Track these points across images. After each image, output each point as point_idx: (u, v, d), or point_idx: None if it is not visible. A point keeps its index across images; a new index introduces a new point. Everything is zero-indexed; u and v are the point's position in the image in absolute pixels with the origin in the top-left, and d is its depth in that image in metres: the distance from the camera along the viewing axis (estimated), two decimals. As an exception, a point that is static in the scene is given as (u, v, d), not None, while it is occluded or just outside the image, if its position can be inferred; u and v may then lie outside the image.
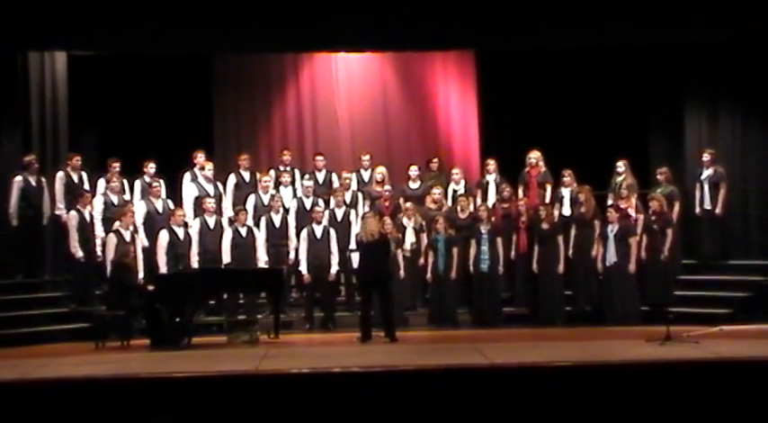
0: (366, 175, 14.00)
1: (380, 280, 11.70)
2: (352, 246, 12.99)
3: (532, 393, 8.36)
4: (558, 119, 14.53)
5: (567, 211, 13.35)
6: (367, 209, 13.38)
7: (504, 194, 13.43)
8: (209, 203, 12.95)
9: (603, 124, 14.34)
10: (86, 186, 13.04)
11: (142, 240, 12.70)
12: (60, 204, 12.90)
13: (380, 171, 13.76)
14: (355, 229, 13.12)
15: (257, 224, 13.01)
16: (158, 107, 14.35)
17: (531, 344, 11.15)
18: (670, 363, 9.25)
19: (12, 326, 12.04)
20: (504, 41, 13.36)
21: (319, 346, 11.70)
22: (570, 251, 13.03)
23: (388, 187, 13.61)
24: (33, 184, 12.75)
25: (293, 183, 13.79)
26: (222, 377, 9.00)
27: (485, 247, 12.94)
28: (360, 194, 13.69)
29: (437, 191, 13.50)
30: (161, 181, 13.33)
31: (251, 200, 13.33)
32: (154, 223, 12.85)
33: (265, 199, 13.28)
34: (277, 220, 13.07)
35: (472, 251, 13.01)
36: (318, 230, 12.95)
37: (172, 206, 13.12)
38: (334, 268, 12.99)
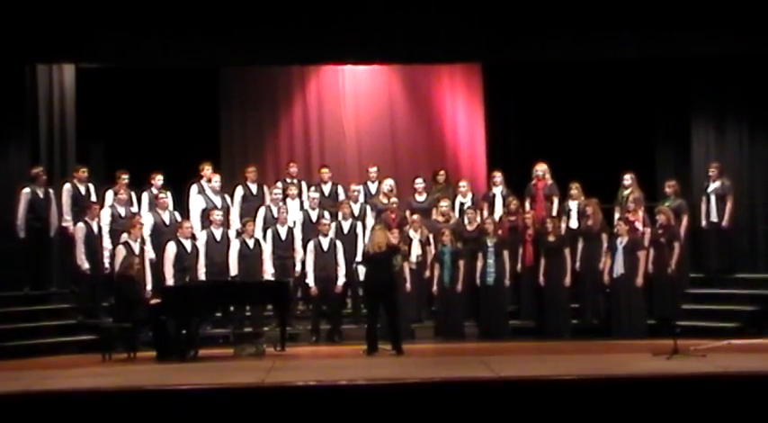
0: (373, 187, 14.02)
1: (386, 292, 11.70)
2: (359, 258, 13.01)
3: (538, 407, 8.34)
4: (565, 132, 14.54)
5: (574, 223, 13.33)
6: (374, 221, 13.42)
7: (511, 207, 13.42)
8: (217, 215, 12.96)
9: (610, 137, 14.34)
10: (93, 198, 13.06)
11: (149, 252, 12.71)
12: (67, 216, 12.93)
13: (388, 183, 13.77)
14: (362, 241, 13.13)
15: (265, 236, 13.03)
16: (166, 119, 14.39)
17: (537, 357, 11.14)
18: (677, 377, 9.23)
19: (19, 338, 12.07)
20: (511, 55, 13.40)
21: (326, 359, 11.68)
22: (577, 264, 13.02)
23: (394, 200, 13.61)
24: (41, 196, 12.78)
25: (300, 195, 13.80)
26: (228, 389, 8.99)
27: (491, 260, 12.94)
28: (367, 207, 13.70)
29: (445, 203, 13.49)
30: (168, 193, 13.34)
31: (261, 212, 13.35)
32: (161, 235, 12.87)
33: (275, 211, 13.29)
34: (283, 232, 13.08)
35: (479, 264, 13.00)
36: (325, 243, 12.95)
37: (179, 218, 13.12)
38: (341, 281, 12.98)
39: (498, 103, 15.19)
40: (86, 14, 12.35)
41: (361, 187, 13.88)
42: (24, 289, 12.76)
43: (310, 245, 12.97)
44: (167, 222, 13.06)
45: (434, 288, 13.08)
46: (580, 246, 13.07)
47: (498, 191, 13.76)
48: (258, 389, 9.10)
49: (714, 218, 13.21)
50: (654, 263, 12.70)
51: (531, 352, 11.72)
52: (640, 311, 12.66)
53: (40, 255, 12.86)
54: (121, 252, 12.29)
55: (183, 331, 11.62)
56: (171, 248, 12.58)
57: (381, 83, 15.29)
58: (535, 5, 12.68)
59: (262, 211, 13.38)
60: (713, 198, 13.22)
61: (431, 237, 13.24)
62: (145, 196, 13.39)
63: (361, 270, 12.60)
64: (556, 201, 13.56)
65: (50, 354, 11.90)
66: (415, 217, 13.30)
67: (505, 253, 13.02)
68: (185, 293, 12.05)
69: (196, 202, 13.47)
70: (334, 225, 13.20)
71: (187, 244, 12.66)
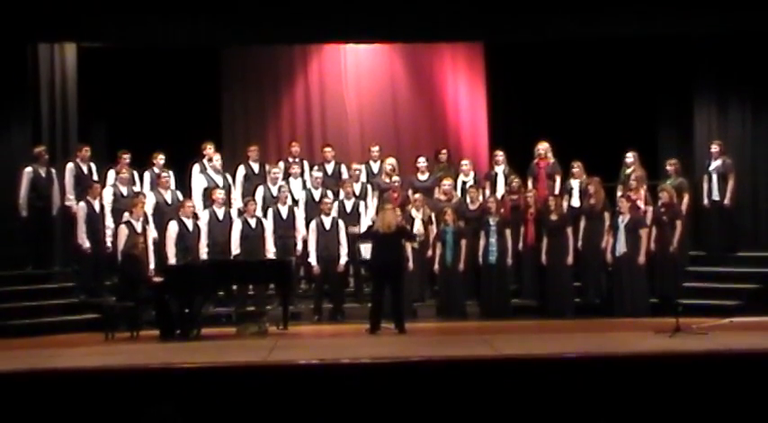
0: (375, 166, 14.00)
1: (393, 272, 11.70)
2: (355, 231, 12.97)
3: (540, 385, 8.37)
4: (567, 110, 14.50)
5: (576, 202, 13.33)
6: (376, 200, 13.44)
7: (513, 186, 13.41)
8: (219, 195, 12.96)
9: (612, 115, 14.30)
10: (95, 177, 13.07)
11: (151, 232, 12.71)
12: (70, 195, 12.94)
13: (390, 162, 13.76)
14: (365, 220, 13.15)
15: (266, 215, 13.03)
16: (167, 99, 14.35)
17: (539, 336, 11.16)
18: (679, 355, 9.26)
19: (22, 316, 12.09)
20: (513, 33, 13.36)
21: (328, 338, 11.72)
22: (579, 243, 13.02)
23: (396, 178, 13.60)
24: (43, 175, 12.78)
25: (302, 174, 13.80)
26: (231, 368, 9.03)
27: (493, 239, 12.93)
28: (369, 186, 13.69)
29: (447, 182, 13.48)
30: (170, 172, 13.36)
31: (260, 191, 13.35)
32: (163, 215, 12.87)
33: (274, 190, 13.29)
34: (284, 211, 13.08)
35: (481, 243, 13.00)
36: (327, 222, 12.96)
37: (181, 197, 13.13)
38: (343, 259, 12.98)
39: (500, 81, 15.13)
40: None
41: (362, 166, 13.87)
42: (27, 268, 12.79)
43: (312, 224, 12.98)
44: (169, 202, 13.07)
45: (436, 267, 13.08)
46: (582, 224, 13.05)
47: (500, 170, 13.75)
48: (261, 367, 9.13)
49: (716, 196, 13.20)
50: (656, 241, 12.71)
51: (533, 331, 11.73)
52: (642, 290, 12.66)
53: (43, 234, 12.87)
54: (124, 231, 12.29)
55: (186, 310, 11.64)
56: (173, 228, 12.58)
57: (383, 62, 15.24)
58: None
59: (260, 191, 13.37)
60: (715, 176, 13.20)
61: (433, 216, 13.23)
62: (147, 176, 13.39)
63: (364, 248, 12.60)
64: (558, 179, 13.55)
65: (53, 333, 11.91)
66: (418, 196, 13.29)
67: (507, 232, 13.02)
68: (188, 272, 12.07)
69: (198, 182, 13.47)
70: (336, 204, 13.20)
71: (189, 223, 12.67)
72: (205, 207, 13.14)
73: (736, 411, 8.11)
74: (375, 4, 12.54)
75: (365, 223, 13.12)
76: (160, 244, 12.66)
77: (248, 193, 13.35)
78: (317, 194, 13.36)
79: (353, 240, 12.92)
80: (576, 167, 13.37)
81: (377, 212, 12.67)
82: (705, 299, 12.49)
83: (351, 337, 11.50)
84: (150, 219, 12.78)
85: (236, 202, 13.46)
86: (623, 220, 12.68)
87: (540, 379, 8.45)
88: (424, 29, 13.08)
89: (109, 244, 12.61)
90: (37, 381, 8.62)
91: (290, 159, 13.93)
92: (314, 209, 13.19)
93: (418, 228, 12.94)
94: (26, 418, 8.19)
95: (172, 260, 12.48)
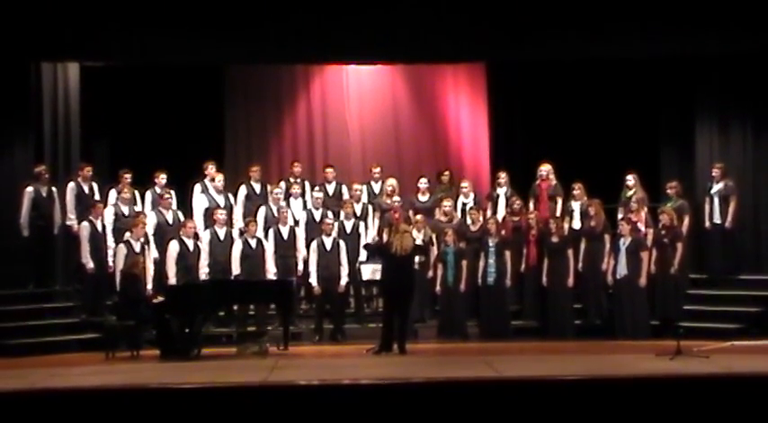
0: (376, 187, 14.01)
1: (406, 294, 11.69)
2: (362, 258, 13.00)
3: (541, 407, 8.34)
4: (569, 132, 14.53)
5: (576, 224, 13.33)
6: (377, 221, 13.44)
7: (515, 207, 13.42)
8: (220, 215, 12.96)
9: (614, 137, 14.33)
10: (97, 197, 13.07)
11: (152, 251, 12.71)
12: (71, 215, 12.94)
13: (391, 183, 13.76)
14: (365, 240, 13.15)
15: (267, 236, 13.03)
16: (170, 118, 14.39)
17: (540, 357, 11.14)
18: (680, 377, 9.23)
19: (22, 335, 12.08)
20: (515, 54, 13.39)
21: (328, 358, 11.70)
22: (580, 264, 13.02)
23: (397, 199, 13.61)
24: (44, 194, 12.80)
25: (303, 194, 13.80)
26: (231, 388, 9.00)
27: (492, 260, 12.94)
28: (370, 206, 13.70)
29: (448, 203, 13.50)
30: (172, 192, 13.36)
31: (261, 211, 13.36)
32: (164, 234, 12.87)
33: (275, 210, 13.30)
34: (285, 231, 13.08)
35: (481, 264, 13.00)
36: (328, 242, 12.96)
37: (182, 217, 13.14)
38: (344, 280, 12.98)
39: (502, 102, 15.18)
40: (91, 12, 12.34)
41: (363, 187, 13.88)
42: (28, 287, 12.78)
43: (313, 244, 12.98)
44: (170, 222, 13.07)
45: (438, 288, 13.09)
46: (583, 246, 13.06)
47: (502, 191, 13.75)
48: (261, 388, 9.11)
49: (717, 219, 13.19)
50: (657, 263, 12.70)
51: (534, 352, 11.72)
52: (643, 312, 12.66)
53: (44, 253, 12.88)
54: (122, 250, 12.33)
55: (187, 330, 11.63)
56: (173, 247, 12.60)
57: (385, 82, 15.28)
58: (539, 4, 12.66)
59: (262, 211, 13.38)
60: (716, 199, 13.20)
61: (434, 236, 13.24)
62: (148, 195, 13.40)
63: (365, 269, 12.57)
64: (559, 201, 13.56)
65: (54, 352, 11.90)
66: (419, 217, 13.30)
67: (507, 253, 13.02)
68: (189, 292, 12.06)
69: (199, 202, 13.48)
70: (337, 224, 13.20)
71: (189, 243, 12.68)
72: (206, 227, 13.14)
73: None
74: (377, 24, 12.57)
75: (368, 241, 13.14)
76: (161, 263, 12.66)
77: (249, 213, 13.35)
78: (317, 215, 13.37)
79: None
80: (577, 189, 13.39)
81: (382, 231, 12.71)
82: (706, 322, 12.48)
83: (351, 358, 11.48)
84: (151, 238, 12.79)
85: (238, 222, 13.45)
86: (624, 241, 12.68)
87: (541, 401, 8.42)
88: (425, 49, 13.10)
89: (111, 263, 12.60)
90: (37, 400, 8.59)
91: (292, 179, 13.94)
92: (315, 229, 13.20)
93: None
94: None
95: (172, 280, 12.49)
